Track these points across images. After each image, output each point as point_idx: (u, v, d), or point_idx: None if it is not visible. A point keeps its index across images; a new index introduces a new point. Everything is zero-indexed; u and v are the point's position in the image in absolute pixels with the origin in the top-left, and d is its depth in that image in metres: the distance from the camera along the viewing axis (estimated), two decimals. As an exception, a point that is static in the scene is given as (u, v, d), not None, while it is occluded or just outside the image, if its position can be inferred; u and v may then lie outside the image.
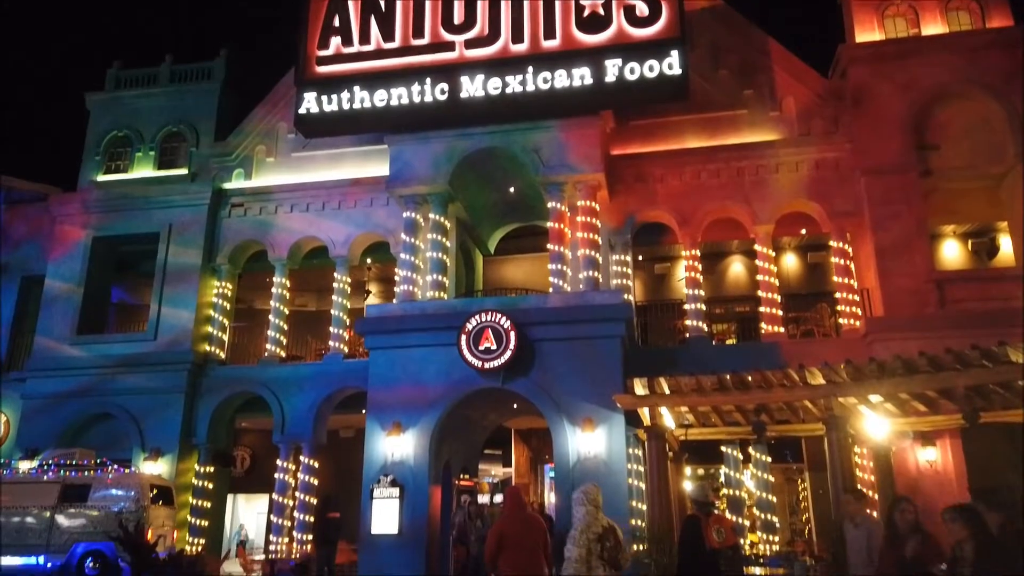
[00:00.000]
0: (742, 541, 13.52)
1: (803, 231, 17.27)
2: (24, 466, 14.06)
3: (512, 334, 14.40)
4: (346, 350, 17.83)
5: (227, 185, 19.36)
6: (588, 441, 13.74)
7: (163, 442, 17.32)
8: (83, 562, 12.74)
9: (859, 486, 12.21)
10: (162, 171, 20.00)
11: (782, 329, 15.92)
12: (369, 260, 19.33)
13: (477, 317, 14.62)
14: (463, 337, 14.56)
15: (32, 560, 12.79)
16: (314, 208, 18.81)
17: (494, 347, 14.45)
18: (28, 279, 20.33)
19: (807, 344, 15.45)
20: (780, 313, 16.02)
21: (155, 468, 16.64)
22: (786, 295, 16.65)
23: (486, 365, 14.43)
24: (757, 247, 16.55)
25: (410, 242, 16.76)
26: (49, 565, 12.72)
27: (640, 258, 18.14)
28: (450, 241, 17.32)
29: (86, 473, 13.69)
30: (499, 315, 14.59)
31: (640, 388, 12.22)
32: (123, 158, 20.34)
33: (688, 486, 16.41)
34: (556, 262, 15.89)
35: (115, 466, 14.19)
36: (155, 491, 13.97)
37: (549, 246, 16.13)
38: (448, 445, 15.47)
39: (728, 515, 14.15)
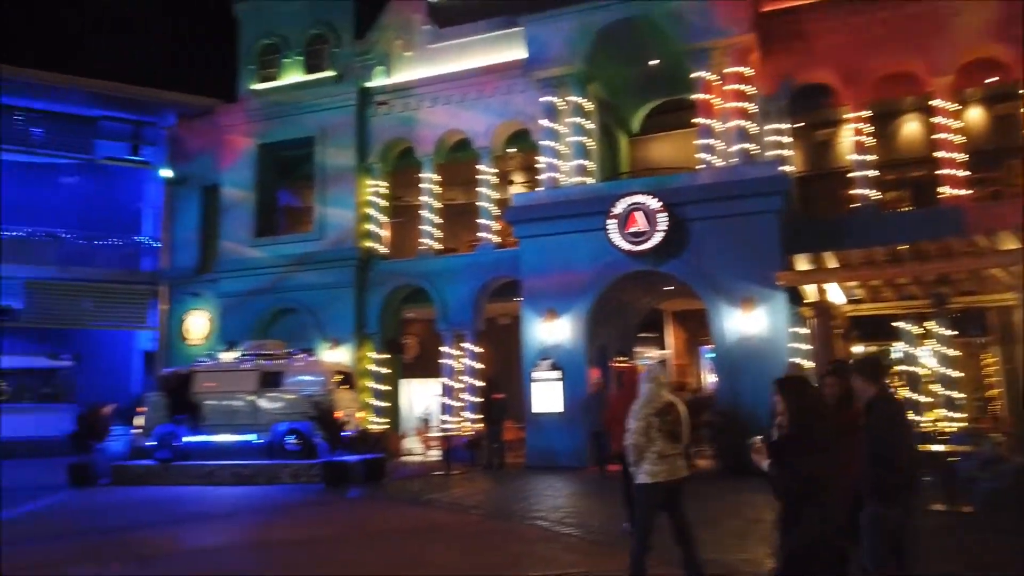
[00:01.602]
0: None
1: (990, 79, 15.25)
2: (226, 357, 15.87)
3: (662, 215, 14.10)
4: (497, 240, 18.27)
5: (370, 84, 19.77)
6: (747, 321, 13.47)
7: (340, 333, 18.89)
8: (285, 439, 14.46)
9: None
10: (310, 75, 20.67)
11: (965, 192, 14.46)
12: (512, 149, 19.34)
13: (624, 200, 14.39)
14: (611, 221, 14.45)
15: (244, 437, 14.69)
16: (454, 100, 18.89)
17: (643, 229, 14.26)
18: (207, 188, 22.17)
19: (994, 207, 13.96)
20: (962, 174, 14.50)
21: (336, 356, 18.26)
22: (969, 153, 14.98)
23: (636, 248, 14.32)
24: (935, 102, 14.87)
25: (551, 127, 16.54)
26: (260, 442, 14.57)
27: (799, 125, 16.86)
28: (592, 123, 16.90)
29: (278, 361, 15.25)
30: (647, 196, 14.29)
31: (804, 264, 11.70)
32: (274, 65, 21.16)
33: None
34: (705, 136, 15.16)
35: (303, 355, 15.69)
36: (338, 376, 15.37)
37: (697, 120, 15.35)
38: (603, 329, 15.74)
39: (903, 392, 13.57)
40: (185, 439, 14.63)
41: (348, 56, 20.18)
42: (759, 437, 4.36)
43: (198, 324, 21.78)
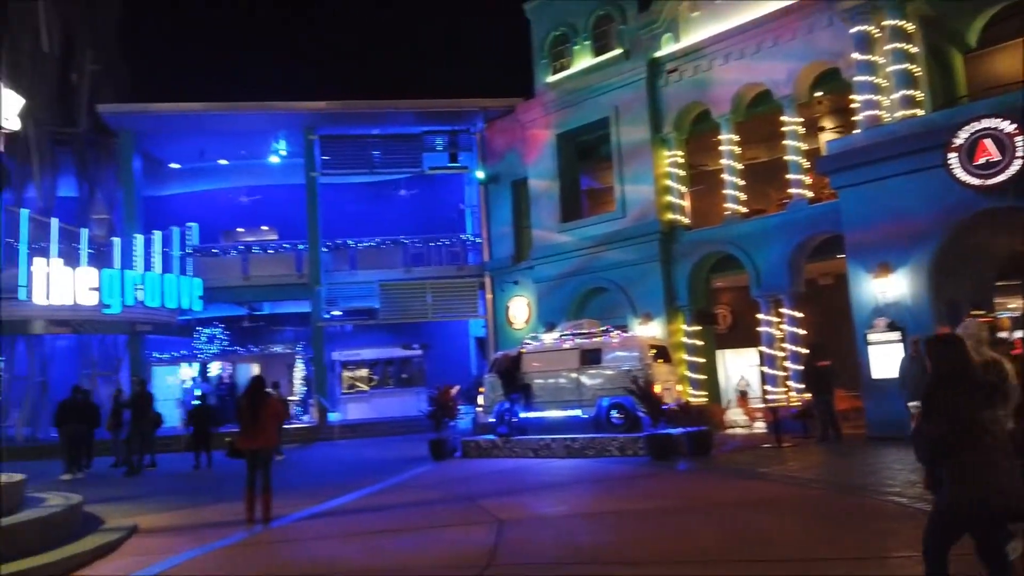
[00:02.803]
0: None
1: None
2: (547, 338, 16.85)
3: (1019, 139, 11.80)
4: (810, 195, 16.86)
5: (658, 53, 19.46)
6: None
7: (651, 307, 18.98)
8: (609, 413, 14.95)
9: None
10: (599, 57, 21.02)
11: None
12: (819, 93, 17.66)
13: (968, 127, 12.32)
14: (952, 155, 12.47)
15: (572, 413, 15.51)
16: (749, 52, 17.80)
17: (995, 159, 12.10)
18: (516, 182, 23.81)
19: None
20: None
21: (649, 330, 18.39)
22: None
23: (988, 182, 12.20)
24: None
25: (865, 60, 14.76)
26: (586, 416, 15.27)
27: None
28: (916, 46, 14.73)
29: (595, 339, 15.79)
30: (998, 119, 12.07)
31: None
32: (565, 55, 21.91)
33: None
34: (1075, 34, 12.32)
35: (617, 331, 16.06)
36: (654, 350, 15.44)
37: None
38: (950, 280, 13.67)
39: None
40: (521, 415, 15.81)
41: (634, 30, 20.10)
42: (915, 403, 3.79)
43: (520, 309, 23.49)
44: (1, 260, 19.52)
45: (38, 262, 19.75)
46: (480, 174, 24.99)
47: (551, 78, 22.07)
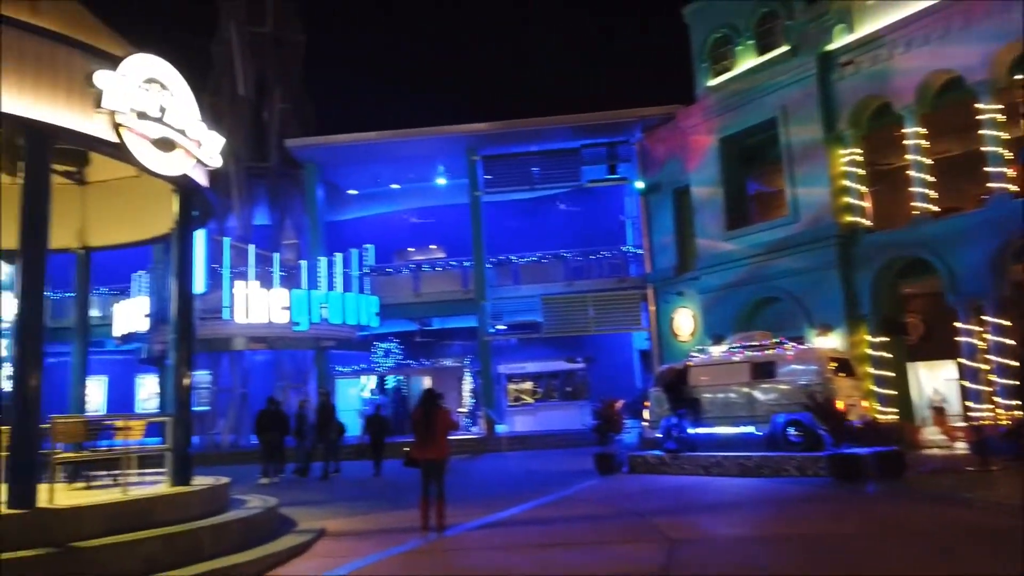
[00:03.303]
0: None
1: None
2: (715, 350, 16.21)
3: None
4: (1014, 188, 15.08)
5: (830, 47, 18.30)
6: None
7: (829, 317, 17.75)
8: (786, 430, 14.08)
9: None
10: (763, 56, 20.14)
11: None
12: (1020, 76, 15.78)
13: None
14: None
15: (743, 430, 14.78)
16: (934, 36, 16.29)
17: None
18: (677, 191, 23.28)
19: None
20: None
21: (827, 342, 17.18)
22: None
23: None
24: None
25: (1082, 33, 12.98)
26: (759, 433, 14.50)
27: None
28: None
29: (768, 352, 14.97)
30: None
31: None
32: (726, 57, 21.21)
33: None
34: None
35: (792, 343, 15.13)
36: (834, 363, 14.39)
37: None
38: None
39: None
40: (689, 431, 15.31)
41: (802, 25, 19.07)
42: None
43: (685, 321, 22.87)
44: (208, 284, 21.84)
45: (238, 285, 21.86)
46: (640, 184, 24.70)
47: (712, 81, 21.40)
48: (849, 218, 17.93)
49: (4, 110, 7.02)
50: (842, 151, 18.21)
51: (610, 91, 44.15)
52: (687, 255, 22.92)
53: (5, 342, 20.10)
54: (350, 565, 7.56)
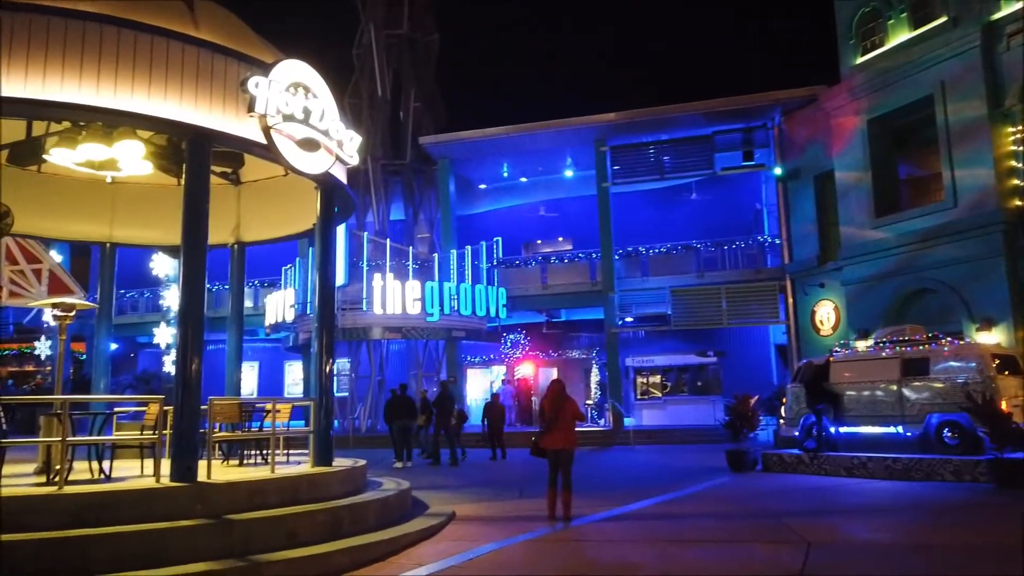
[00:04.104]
0: None
1: None
2: (861, 345, 15.23)
3: None
4: None
5: (996, 15, 16.68)
6: None
7: (992, 310, 16.27)
8: (940, 431, 13.03)
9: None
10: (918, 30, 18.65)
11: None
12: None
13: None
14: None
15: (889, 430, 13.81)
16: (1126, -5, 14.45)
17: None
18: (820, 176, 22.05)
19: None
20: None
21: (989, 338, 15.75)
22: None
23: None
24: None
25: None
26: (908, 434, 13.50)
27: None
28: None
29: (921, 347, 13.90)
30: None
31: None
32: (875, 32, 19.81)
33: None
34: None
35: (948, 338, 13.98)
36: (997, 360, 13.15)
37: None
38: None
39: None
40: (830, 430, 14.52)
41: (963, -7, 17.50)
42: None
43: (826, 314, 21.69)
44: (347, 276, 22.99)
45: (376, 278, 22.89)
46: (778, 171, 23.59)
47: (860, 59, 20.06)
48: (1017, 202, 16.31)
49: (172, 118, 7.69)
50: (1009, 129, 16.58)
51: (745, 74, 42.43)
52: (829, 244, 21.68)
53: (171, 330, 22.09)
54: (479, 549, 7.74)
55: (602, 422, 25.30)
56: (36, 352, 29.54)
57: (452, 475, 15.45)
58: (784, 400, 16.11)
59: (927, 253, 17.69)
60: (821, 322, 21.89)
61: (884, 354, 14.23)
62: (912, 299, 18.45)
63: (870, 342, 14.97)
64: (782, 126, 23.69)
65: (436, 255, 24.97)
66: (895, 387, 13.79)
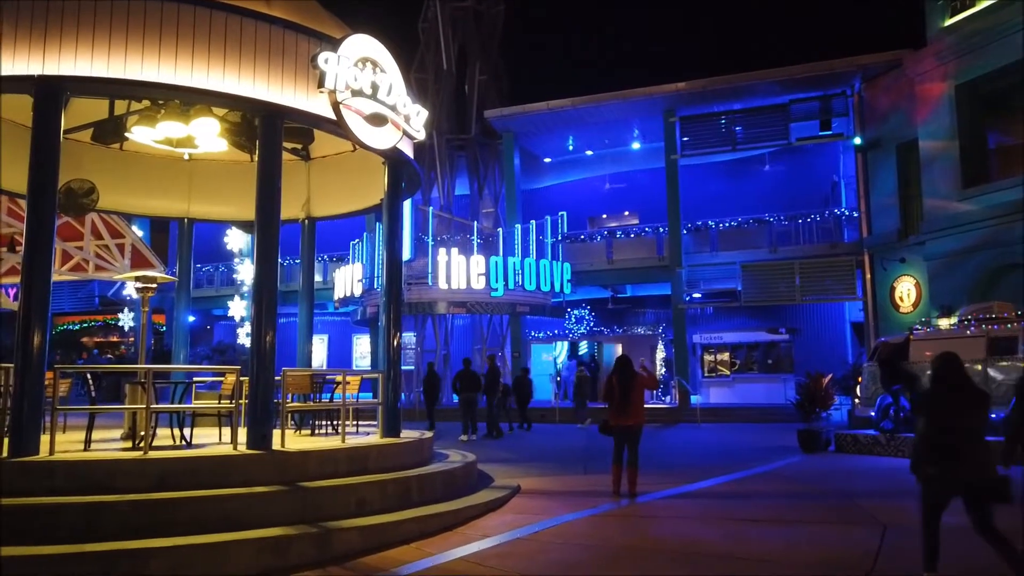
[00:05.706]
0: None
1: None
2: (943, 323, 14.56)
3: None
4: None
5: (1103, -32, 15.45)
6: None
7: (1090, 287, 15.26)
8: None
9: None
10: (1012, -13, 17.44)
11: None
12: None
13: None
14: None
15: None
16: None
17: None
18: (902, 146, 21.03)
19: None
20: None
21: (1087, 317, 14.79)
22: None
23: None
24: None
25: None
26: (993, 416, 12.85)
27: None
28: None
29: (1009, 326, 13.19)
30: None
31: None
32: (965, -8, 18.63)
33: None
34: None
35: (1039, 318, 13.22)
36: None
37: None
38: None
39: None
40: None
41: (1063, -55, 16.25)
42: None
43: (907, 290, 20.81)
44: (413, 251, 23.25)
45: (441, 252, 23.07)
46: (858, 140, 22.61)
47: (948, 21, 18.91)
48: (1121, 171, 15.19)
49: (245, 94, 7.85)
50: (1114, 92, 15.41)
51: (823, 40, 40.66)
52: (911, 217, 20.72)
53: (246, 303, 22.79)
54: (544, 523, 7.78)
55: (667, 399, 25.03)
56: (120, 323, 31.09)
57: (516, 448, 15.56)
58: (860, 379, 15.58)
59: (1017, 226, 16.70)
60: (901, 298, 21.01)
61: (969, 332, 13.57)
62: (1000, 275, 17.48)
63: (954, 320, 14.31)
64: (862, 94, 22.65)
65: (500, 230, 24.97)
66: (980, 367, 13.13)
